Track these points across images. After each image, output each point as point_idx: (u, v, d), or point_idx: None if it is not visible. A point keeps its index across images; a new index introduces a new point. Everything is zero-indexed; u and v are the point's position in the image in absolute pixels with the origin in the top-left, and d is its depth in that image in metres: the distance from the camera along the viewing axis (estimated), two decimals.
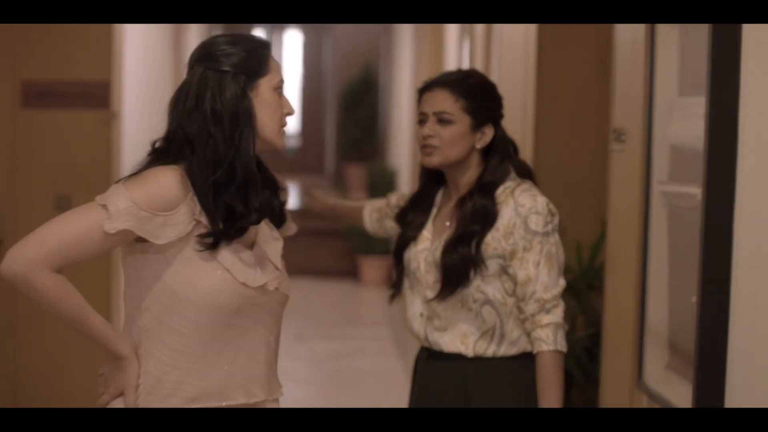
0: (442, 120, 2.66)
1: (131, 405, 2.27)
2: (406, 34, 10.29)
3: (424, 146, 2.69)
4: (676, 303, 2.50)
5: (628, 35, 2.92)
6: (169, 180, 2.19)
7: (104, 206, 2.15)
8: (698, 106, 2.34)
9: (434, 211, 2.76)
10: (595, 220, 4.22)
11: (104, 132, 5.38)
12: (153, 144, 2.31)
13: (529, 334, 2.61)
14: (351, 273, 10.97)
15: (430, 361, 2.71)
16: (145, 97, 6.76)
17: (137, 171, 2.25)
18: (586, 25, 4.40)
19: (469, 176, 2.69)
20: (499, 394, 2.62)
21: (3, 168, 5.20)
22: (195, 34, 9.83)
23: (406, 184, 9.83)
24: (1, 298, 5.18)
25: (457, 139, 2.65)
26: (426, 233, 2.72)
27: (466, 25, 6.59)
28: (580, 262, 4.15)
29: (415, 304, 2.72)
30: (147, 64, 6.80)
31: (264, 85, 2.29)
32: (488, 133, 2.68)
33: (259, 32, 17.27)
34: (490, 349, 2.63)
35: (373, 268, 10.75)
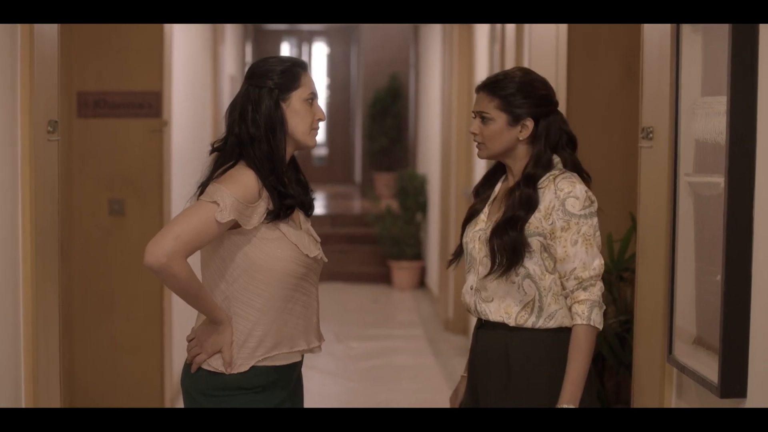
0: (483, 118, 2.95)
1: (228, 360, 2.78)
2: (434, 44, 10.42)
3: (475, 142, 3.00)
4: (702, 282, 2.69)
5: (655, 41, 3.11)
6: (251, 178, 2.76)
7: (214, 202, 2.68)
8: (720, 104, 2.53)
9: (492, 196, 3.03)
10: (625, 214, 4.40)
11: (155, 139, 5.61)
12: (213, 144, 2.88)
13: (569, 309, 2.84)
14: (383, 277, 11.14)
15: (480, 331, 2.98)
16: (189, 105, 7.00)
17: (218, 171, 2.81)
18: (614, 32, 4.60)
19: (519, 165, 2.95)
20: (535, 363, 2.86)
21: (60, 174, 5.46)
22: (230, 47, 10.08)
23: (436, 190, 9.95)
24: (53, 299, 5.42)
25: (495, 134, 2.93)
26: (483, 216, 2.99)
27: (496, 32, 6.73)
28: (612, 254, 4.37)
29: (469, 279, 2.98)
30: (190, 74, 7.04)
31: (295, 97, 2.84)
32: (529, 125, 2.92)
33: (287, 44, 17.50)
34: (529, 321, 2.87)
35: (404, 272, 10.92)
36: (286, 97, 2.82)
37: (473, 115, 3.00)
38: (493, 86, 2.96)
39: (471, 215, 3.05)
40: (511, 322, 2.89)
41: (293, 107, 2.83)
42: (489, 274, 2.90)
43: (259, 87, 2.81)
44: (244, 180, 2.74)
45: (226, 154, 2.82)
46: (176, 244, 2.63)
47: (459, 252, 3.07)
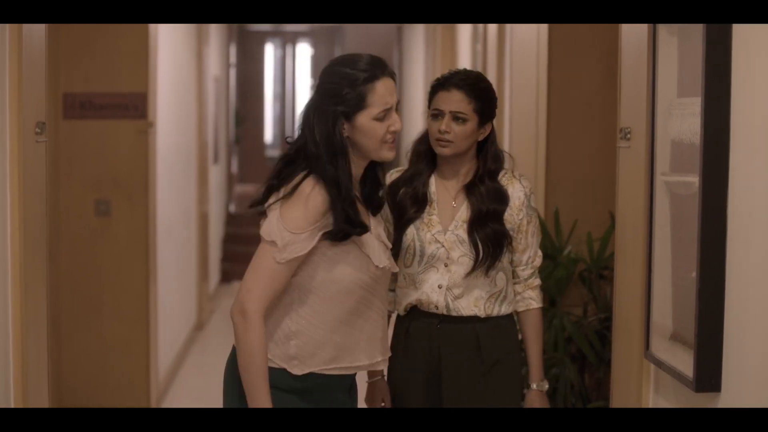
0: (457, 118, 3.02)
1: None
2: (417, 44, 10.46)
3: (439, 139, 3.04)
4: (678, 279, 2.73)
5: (632, 43, 3.15)
6: (321, 200, 2.60)
7: (273, 242, 2.57)
8: (695, 105, 2.56)
9: (434, 197, 3.09)
10: (605, 214, 4.45)
11: (141, 140, 5.64)
12: (286, 139, 2.74)
13: (516, 294, 3.12)
14: None
15: (444, 325, 3.07)
16: (174, 107, 7.04)
17: (288, 181, 2.64)
18: (593, 34, 4.66)
19: (469, 164, 3.09)
20: (503, 346, 3.10)
21: (46, 176, 5.47)
22: (214, 48, 10.10)
23: None
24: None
25: (468, 134, 3.04)
26: (434, 218, 3.06)
27: (479, 32, 6.78)
28: (591, 253, 4.43)
29: (431, 279, 3.05)
30: (175, 76, 7.07)
31: (362, 118, 2.64)
32: (488, 128, 3.08)
33: (271, 45, 17.51)
34: (495, 309, 3.07)
35: None
36: (351, 118, 2.64)
37: (438, 112, 3.04)
38: (472, 88, 3.04)
39: (410, 220, 3.05)
40: (482, 314, 3.06)
41: (360, 128, 2.65)
42: (473, 270, 3.02)
43: (324, 106, 2.65)
44: (312, 204, 2.60)
45: (297, 161, 2.68)
46: (250, 299, 2.58)
47: (397, 251, 3.05)
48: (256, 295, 2.59)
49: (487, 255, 3.01)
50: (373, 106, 2.65)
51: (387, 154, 2.70)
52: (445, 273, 3.04)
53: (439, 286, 3.05)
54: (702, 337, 2.55)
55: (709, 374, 2.54)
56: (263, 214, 2.69)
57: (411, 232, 3.06)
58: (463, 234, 3.03)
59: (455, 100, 3.02)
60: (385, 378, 3.17)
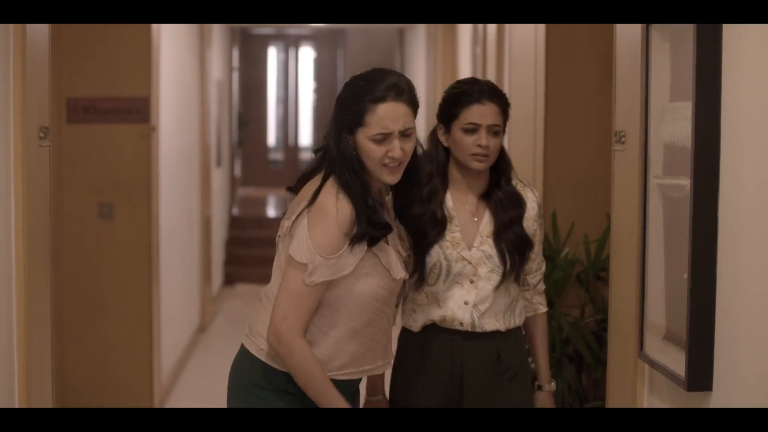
0: (494, 131, 2.99)
1: None
2: (419, 48, 10.49)
3: (477, 154, 2.98)
4: (671, 280, 2.77)
5: (627, 47, 3.18)
6: (344, 202, 2.63)
7: (303, 264, 2.59)
8: (687, 109, 2.59)
9: (453, 213, 3.05)
10: (602, 216, 4.47)
11: (144, 144, 5.68)
12: (318, 147, 2.79)
13: (529, 300, 3.14)
14: None
15: (467, 341, 3.04)
16: (177, 110, 7.08)
17: (311, 183, 2.71)
18: (591, 35, 4.68)
19: (485, 174, 3.08)
20: (519, 355, 3.11)
21: (50, 179, 5.50)
22: (217, 52, 10.14)
23: None
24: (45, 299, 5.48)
25: (500, 146, 3.04)
26: (456, 235, 3.03)
27: (478, 35, 6.83)
28: (589, 254, 4.46)
29: (456, 295, 3.02)
30: (177, 80, 7.10)
31: (360, 135, 2.65)
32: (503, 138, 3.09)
33: (274, 49, 17.55)
34: (512, 321, 3.08)
35: None
36: (354, 133, 2.67)
37: (474, 126, 2.97)
38: (502, 99, 3.02)
39: (432, 242, 3.00)
40: (503, 328, 3.05)
41: (359, 145, 2.66)
42: (501, 282, 3.02)
43: (335, 113, 2.70)
44: (342, 213, 2.62)
45: (321, 161, 2.74)
46: (285, 325, 2.62)
47: (423, 275, 3.02)
48: (291, 321, 2.62)
49: (513, 264, 3.01)
50: (369, 126, 2.64)
51: (386, 178, 2.69)
52: (471, 289, 3.02)
53: (465, 303, 3.02)
54: (693, 337, 2.58)
55: (700, 374, 2.57)
56: (292, 191, 2.77)
57: (436, 252, 3.00)
58: (489, 249, 3.01)
59: (492, 114, 2.98)
60: (387, 396, 3.16)
